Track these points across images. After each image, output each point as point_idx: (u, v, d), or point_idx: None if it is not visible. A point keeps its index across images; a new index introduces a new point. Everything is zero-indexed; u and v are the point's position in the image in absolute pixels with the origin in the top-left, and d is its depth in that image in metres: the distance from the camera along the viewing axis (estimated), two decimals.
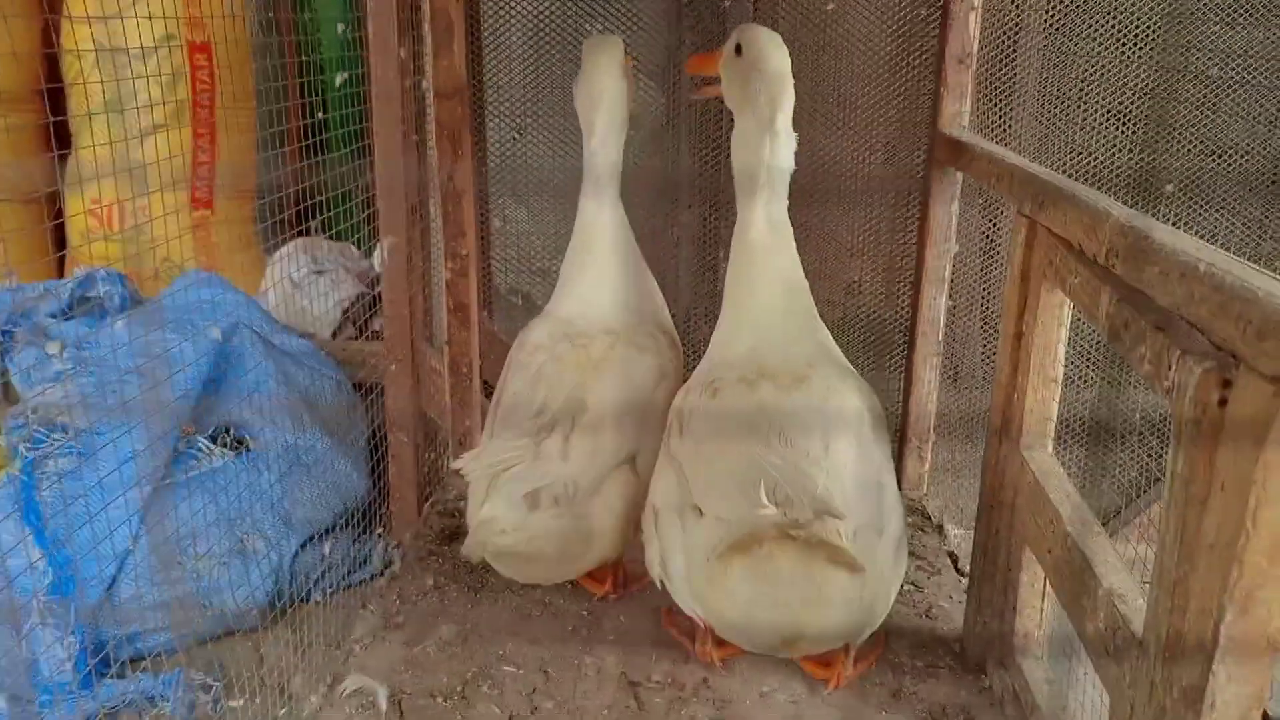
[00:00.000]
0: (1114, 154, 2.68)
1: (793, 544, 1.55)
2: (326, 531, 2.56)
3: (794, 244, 1.93)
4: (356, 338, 3.61)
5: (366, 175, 2.61)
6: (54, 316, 2.80)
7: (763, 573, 1.59)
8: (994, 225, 2.73)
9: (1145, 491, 2.79)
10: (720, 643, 1.87)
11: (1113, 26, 2.59)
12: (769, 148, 1.84)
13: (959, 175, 2.41)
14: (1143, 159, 2.67)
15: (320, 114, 2.80)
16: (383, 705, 1.78)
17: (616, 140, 2.11)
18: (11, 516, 2.23)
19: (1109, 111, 2.65)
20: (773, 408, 1.71)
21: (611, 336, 2.05)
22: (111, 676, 2.16)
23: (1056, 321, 1.68)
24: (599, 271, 2.13)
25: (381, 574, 2.34)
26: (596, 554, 1.96)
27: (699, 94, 2.04)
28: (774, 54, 1.84)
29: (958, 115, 2.39)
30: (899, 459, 2.64)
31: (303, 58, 3.23)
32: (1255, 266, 1.09)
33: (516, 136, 2.79)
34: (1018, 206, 1.77)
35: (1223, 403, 1.05)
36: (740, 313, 1.93)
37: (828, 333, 1.95)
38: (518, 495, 1.80)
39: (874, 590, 1.66)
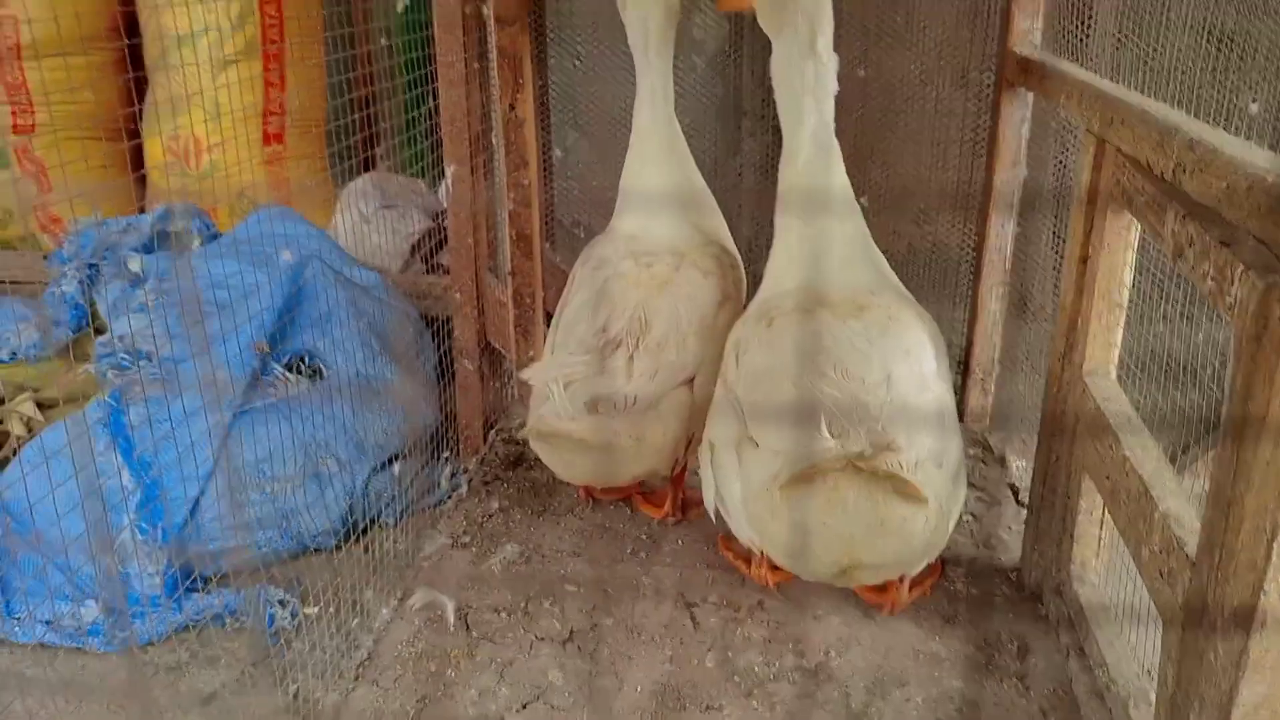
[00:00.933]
0: (1198, 71, 2.56)
1: (858, 475, 1.54)
2: (397, 457, 2.65)
3: (843, 167, 1.88)
4: (425, 272, 3.67)
5: (430, 103, 2.64)
6: (136, 251, 2.91)
7: (827, 503, 1.58)
8: (1066, 149, 2.64)
9: (1216, 428, 2.72)
10: (775, 567, 1.90)
11: None
12: (811, 73, 1.79)
13: (1030, 96, 2.34)
14: (1227, 78, 2.54)
15: (384, 40, 2.82)
16: (450, 618, 1.85)
17: (664, 55, 2.10)
18: (103, 439, 2.35)
19: (1193, 26, 2.52)
20: (830, 337, 1.69)
21: (676, 257, 2.05)
22: (197, 591, 2.29)
23: (1124, 244, 1.64)
24: (657, 184, 2.13)
25: (449, 497, 2.42)
26: (645, 464, 1.99)
27: (723, 7, 1.99)
28: None
29: (1029, 33, 2.32)
30: (962, 390, 2.61)
31: None
32: None
33: (577, 64, 2.78)
34: (1086, 125, 1.72)
35: None
36: (793, 241, 1.90)
37: (883, 258, 1.92)
38: (579, 400, 1.85)
39: (934, 522, 1.65)
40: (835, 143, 1.87)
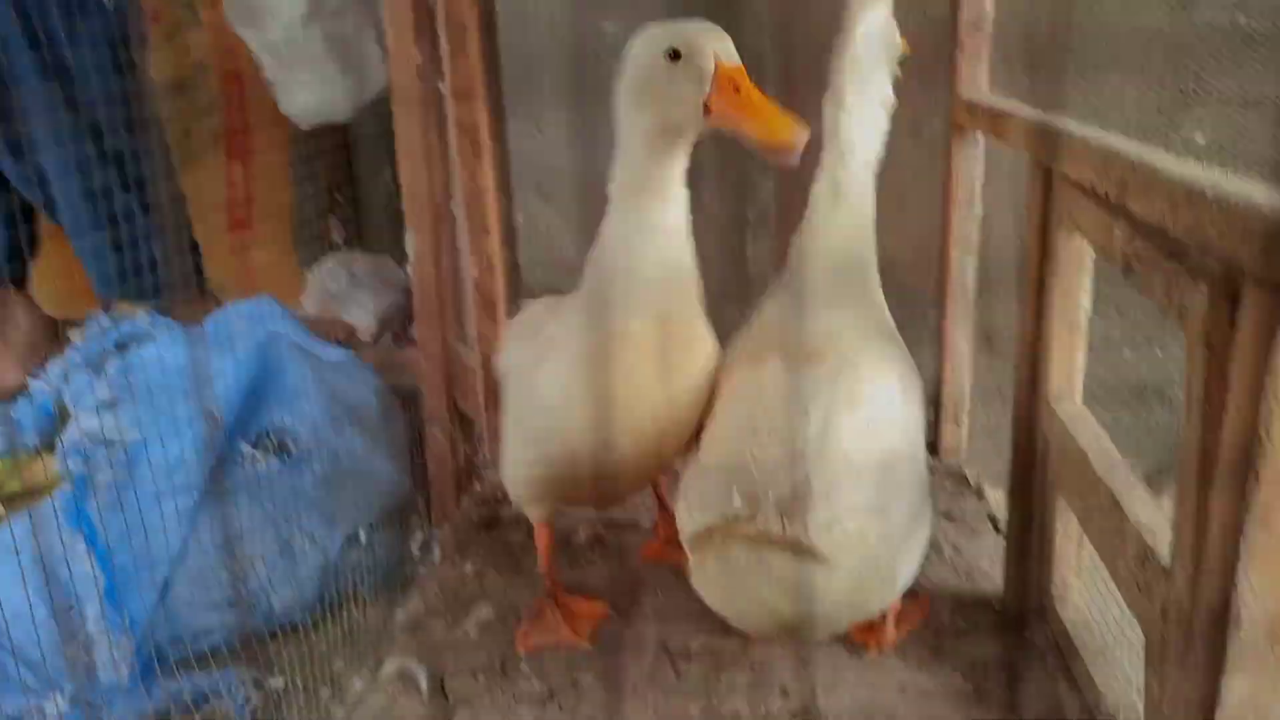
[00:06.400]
0: (1140, 109, 2.64)
1: (745, 538, 1.47)
2: (369, 528, 2.61)
3: (866, 208, 1.83)
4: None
5: (392, 183, 2.67)
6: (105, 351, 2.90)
7: (722, 562, 1.52)
8: (1019, 188, 2.69)
9: None
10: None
11: None
12: (831, 121, 1.80)
13: (980, 138, 2.39)
14: (1168, 115, 2.63)
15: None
16: (423, 685, 1.80)
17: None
18: (67, 528, 2.30)
19: (1132, 64, 2.61)
20: (774, 389, 1.60)
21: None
22: (167, 677, 2.22)
23: (1077, 267, 1.66)
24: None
25: (422, 565, 2.38)
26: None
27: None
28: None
29: (974, 78, 2.38)
30: (936, 425, 2.62)
31: None
32: (1264, 184, 1.08)
33: (537, 132, 2.82)
34: (1033, 157, 1.76)
35: (1232, 319, 1.04)
36: (788, 278, 1.85)
37: (878, 295, 1.88)
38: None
39: (853, 576, 1.50)
40: (855, 200, 1.82)
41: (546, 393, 1.75)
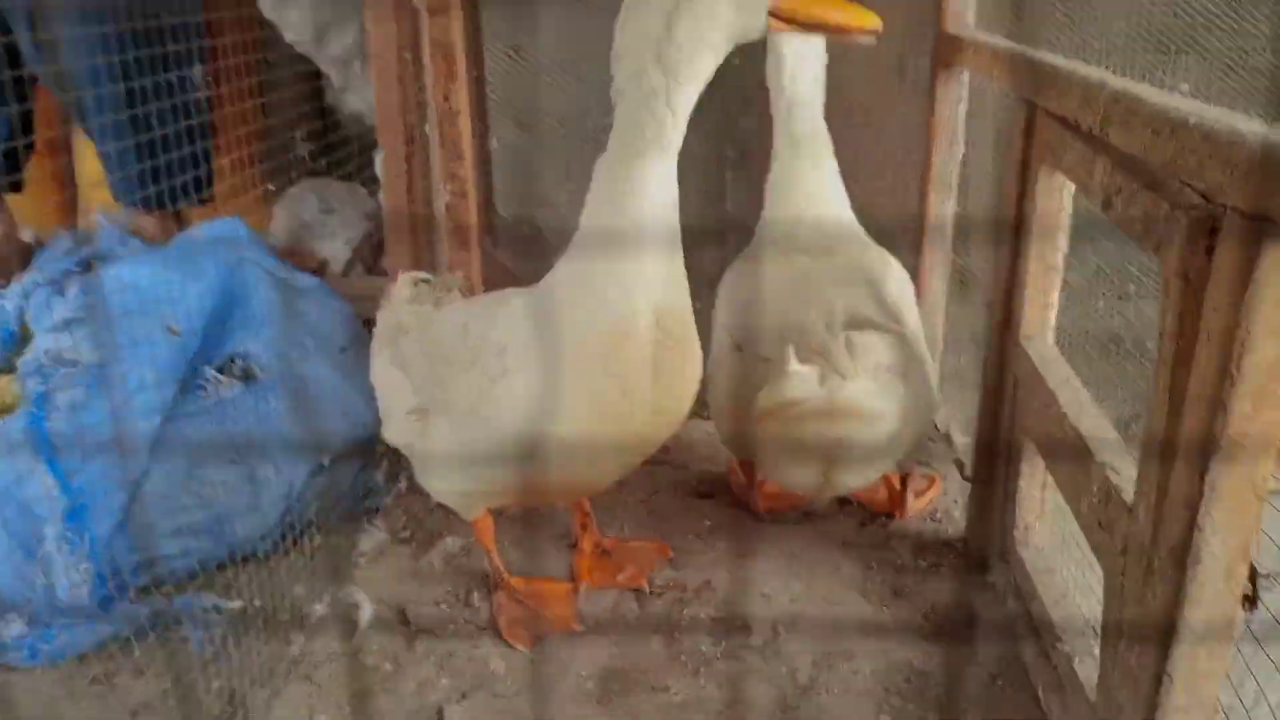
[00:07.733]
0: (1130, 51, 2.59)
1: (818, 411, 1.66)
2: (336, 459, 2.58)
3: (823, 154, 2.06)
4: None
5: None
6: (75, 267, 2.83)
7: (793, 426, 1.69)
8: (1001, 131, 2.65)
9: None
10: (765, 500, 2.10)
11: None
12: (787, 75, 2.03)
13: (965, 76, 2.35)
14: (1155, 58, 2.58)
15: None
16: (363, 619, 1.81)
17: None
18: (24, 446, 2.26)
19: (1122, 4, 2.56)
20: (809, 272, 1.91)
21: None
22: (127, 601, 2.20)
23: (1056, 206, 1.64)
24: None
25: (389, 495, 2.36)
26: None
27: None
28: None
29: (962, 14, 2.33)
30: None
31: None
32: (1246, 116, 1.06)
33: (511, 56, 2.74)
34: (1018, 92, 1.72)
35: (1209, 250, 1.02)
36: (773, 212, 2.09)
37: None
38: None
39: (891, 422, 1.72)
40: (815, 138, 2.06)
41: (508, 412, 1.52)
